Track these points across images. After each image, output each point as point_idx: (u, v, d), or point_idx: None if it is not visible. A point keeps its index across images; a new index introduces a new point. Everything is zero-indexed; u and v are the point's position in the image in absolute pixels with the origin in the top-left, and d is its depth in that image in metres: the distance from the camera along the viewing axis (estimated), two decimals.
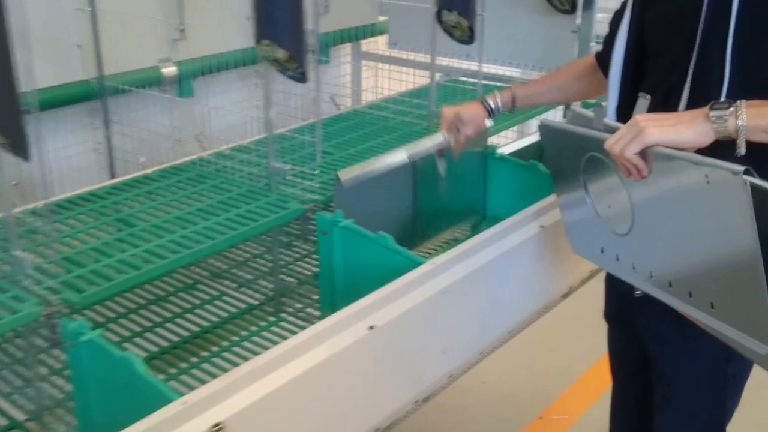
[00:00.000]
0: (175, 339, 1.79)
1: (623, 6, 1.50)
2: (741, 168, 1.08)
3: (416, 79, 3.05)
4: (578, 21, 2.66)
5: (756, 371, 1.45)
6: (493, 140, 2.33)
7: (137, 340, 1.78)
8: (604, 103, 1.47)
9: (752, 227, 1.09)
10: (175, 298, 1.94)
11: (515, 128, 2.80)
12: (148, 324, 1.83)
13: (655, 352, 1.57)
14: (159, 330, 1.82)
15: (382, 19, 3.20)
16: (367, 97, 3.26)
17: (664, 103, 1.37)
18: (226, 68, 2.25)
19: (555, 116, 2.82)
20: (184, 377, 1.68)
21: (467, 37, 2.25)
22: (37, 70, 2.21)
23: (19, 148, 1.33)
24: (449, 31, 2.21)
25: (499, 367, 2.71)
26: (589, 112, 1.38)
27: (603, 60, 1.65)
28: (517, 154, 2.26)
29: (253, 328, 1.85)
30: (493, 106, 1.81)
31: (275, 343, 1.52)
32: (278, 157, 1.91)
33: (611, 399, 1.87)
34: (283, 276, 2.02)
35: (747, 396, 1.57)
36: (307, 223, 1.84)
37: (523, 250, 1.76)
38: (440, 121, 1.84)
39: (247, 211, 1.80)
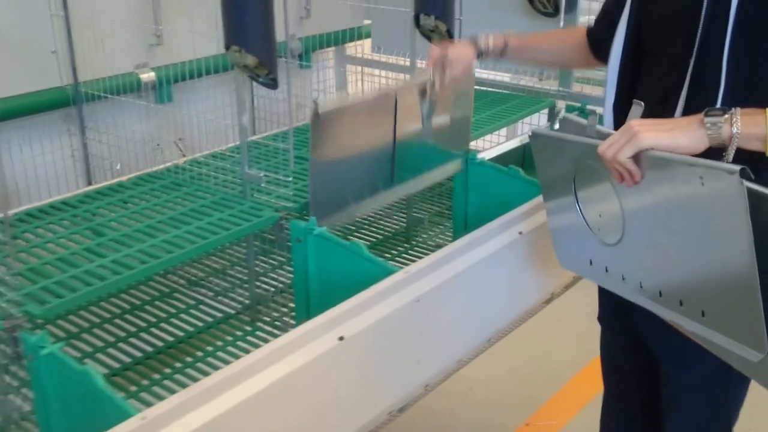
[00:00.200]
0: (150, 349, 1.77)
1: None
2: (737, 167, 1.06)
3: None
4: (561, 24, 2.65)
5: None
6: (474, 144, 2.31)
7: (111, 351, 1.76)
8: (597, 110, 1.44)
9: (748, 229, 1.06)
10: (150, 307, 1.93)
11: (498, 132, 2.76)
12: (122, 334, 1.81)
13: (660, 353, 1.54)
14: (133, 340, 1.80)
15: (366, 22, 3.18)
16: None
17: (663, 103, 1.36)
18: (206, 73, 2.21)
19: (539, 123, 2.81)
20: (156, 389, 1.66)
21: None
22: (13, 77, 2.22)
23: None
24: (427, 35, 2.19)
25: (486, 372, 2.68)
26: (581, 120, 1.36)
27: (594, 38, 1.64)
28: (498, 159, 2.23)
29: (229, 338, 1.83)
30: (483, 47, 1.72)
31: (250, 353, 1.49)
32: (254, 164, 1.89)
33: (603, 404, 1.82)
34: (259, 284, 1.99)
35: (750, 396, 1.55)
36: (282, 231, 1.81)
37: (500, 258, 1.72)
38: (426, 59, 1.74)
39: (220, 219, 1.78)
